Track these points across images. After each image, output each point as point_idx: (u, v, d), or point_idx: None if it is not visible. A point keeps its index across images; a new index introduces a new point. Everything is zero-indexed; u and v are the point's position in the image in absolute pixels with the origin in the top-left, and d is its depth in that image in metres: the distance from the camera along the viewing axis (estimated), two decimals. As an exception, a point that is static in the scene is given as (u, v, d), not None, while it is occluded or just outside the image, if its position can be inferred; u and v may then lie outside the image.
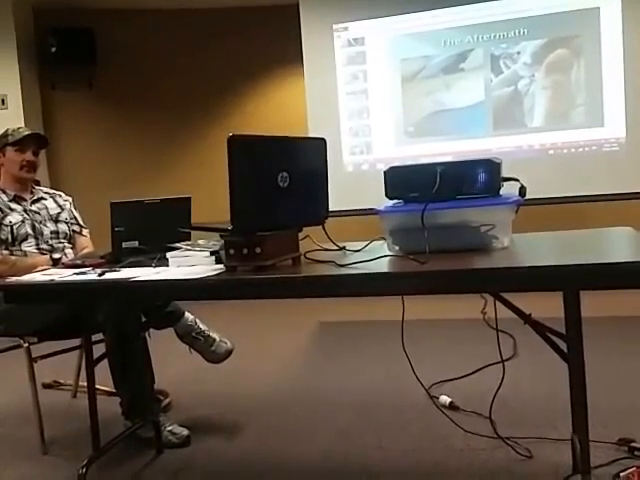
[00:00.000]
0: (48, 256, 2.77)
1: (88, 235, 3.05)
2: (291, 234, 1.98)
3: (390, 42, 4.76)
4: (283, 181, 1.89)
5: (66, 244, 2.93)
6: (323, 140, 2.09)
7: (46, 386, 3.33)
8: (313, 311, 4.52)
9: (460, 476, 2.21)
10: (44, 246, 2.83)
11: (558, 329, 1.84)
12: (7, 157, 2.85)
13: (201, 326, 2.68)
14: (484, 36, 4.56)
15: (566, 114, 4.51)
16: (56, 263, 2.69)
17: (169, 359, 2.97)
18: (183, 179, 5.65)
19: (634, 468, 1.97)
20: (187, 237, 2.25)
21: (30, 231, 2.81)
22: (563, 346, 1.81)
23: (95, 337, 2.41)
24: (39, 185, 3.06)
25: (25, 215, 2.83)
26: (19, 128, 2.88)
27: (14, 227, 2.77)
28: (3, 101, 5.43)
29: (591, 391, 1.77)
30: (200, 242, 2.09)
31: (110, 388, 2.73)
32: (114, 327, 2.48)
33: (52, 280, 2.02)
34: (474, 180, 1.91)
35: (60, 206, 2.99)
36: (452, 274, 1.66)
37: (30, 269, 2.51)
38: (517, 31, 4.50)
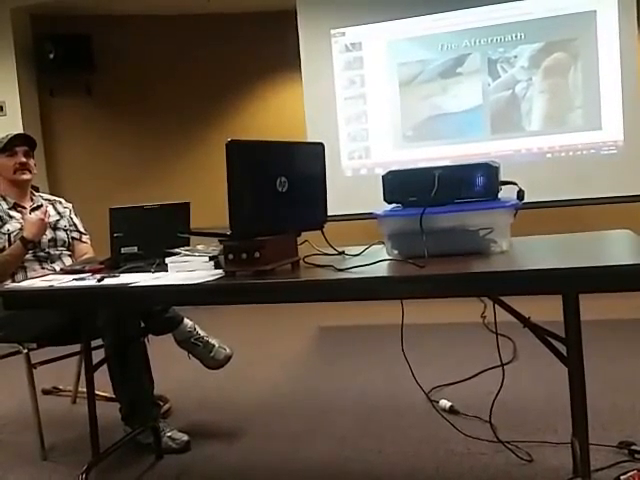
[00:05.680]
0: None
1: (89, 241, 3.04)
2: (290, 239, 1.98)
3: (387, 47, 4.77)
4: (282, 186, 1.89)
5: (64, 251, 2.92)
6: (321, 145, 2.09)
7: (46, 392, 3.33)
8: (312, 316, 4.52)
9: (460, 480, 2.21)
10: (41, 254, 2.83)
11: (557, 332, 1.83)
12: (0, 164, 2.85)
13: (200, 332, 2.67)
14: (481, 40, 4.57)
15: (564, 117, 4.52)
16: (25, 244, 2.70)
17: (168, 365, 2.97)
18: (182, 184, 5.65)
19: (634, 471, 1.97)
20: (186, 242, 2.25)
21: None
22: (563, 349, 1.80)
23: (94, 343, 2.41)
24: (38, 191, 3.07)
25: (23, 223, 2.82)
26: (7, 135, 2.88)
27: (11, 235, 2.77)
28: (2, 108, 5.44)
29: (591, 394, 1.77)
30: (199, 247, 2.09)
31: (110, 394, 2.72)
32: (113, 333, 2.47)
33: (51, 286, 2.02)
34: (472, 184, 1.92)
35: (59, 213, 2.99)
36: (451, 278, 1.66)
37: (14, 257, 2.68)
38: (514, 35, 4.51)
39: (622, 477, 1.96)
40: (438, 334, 4.12)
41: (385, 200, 2.02)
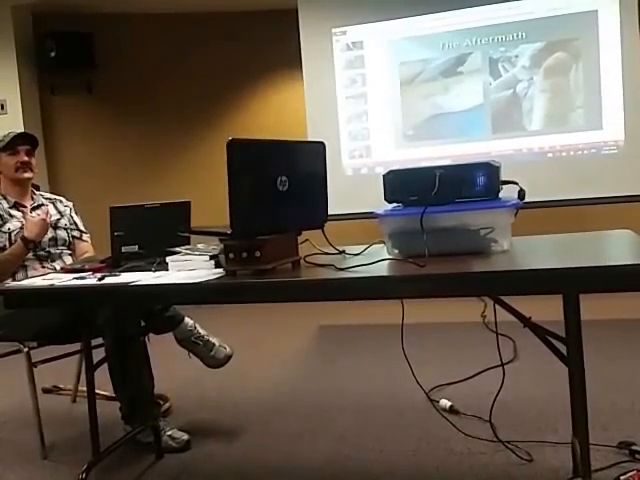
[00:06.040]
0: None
1: (89, 240, 3.05)
2: (290, 238, 1.98)
3: (389, 46, 4.76)
4: (282, 185, 1.89)
5: (64, 250, 2.92)
6: (322, 144, 2.09)
7: (46, 391, 3.33)
8: (313, 315, 4.52)
9: (460, 480, 2.21)
10: (42, 253, 2.83)
11: (558, 332, 1.83)
12: (2, 162, 2.85)
13: (200, 331, 2.67)
14: (482, 39, 4.57)
15: (565, 117, 4.52)
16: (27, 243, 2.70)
17: (169, 364, 2.97)
18: (183, 183, 5.65)
19: (634, 471, 1.97)
20: (187, 241, 2.25)
21: None
22: (563, 349, 1.80)
23: (95, 342, 2.41)
24: (39, 190, 3.07)
25: (24, 222, 2.82)
26: (9, 132, 2.88)
27: (12, 234, 2.77)
28: (2, 106, 5.43)
29: (591, 394, 1.77)
30: (200, 246, 2.09)
31: (110, 393, 2.73)
32: (114, 331, 2.47)
33: (52, 285, 2.02)
34: (473, 183, 1.92)
35: (60, 212, 2.99)
36: (451, 277, 1.66)
37: (15, 257, 2.67)
38: (515, 34, 4.51)
39: (622, 477, 1.96)
40: (438, 333, 4.12)
41: (386, 199, 2.02)
